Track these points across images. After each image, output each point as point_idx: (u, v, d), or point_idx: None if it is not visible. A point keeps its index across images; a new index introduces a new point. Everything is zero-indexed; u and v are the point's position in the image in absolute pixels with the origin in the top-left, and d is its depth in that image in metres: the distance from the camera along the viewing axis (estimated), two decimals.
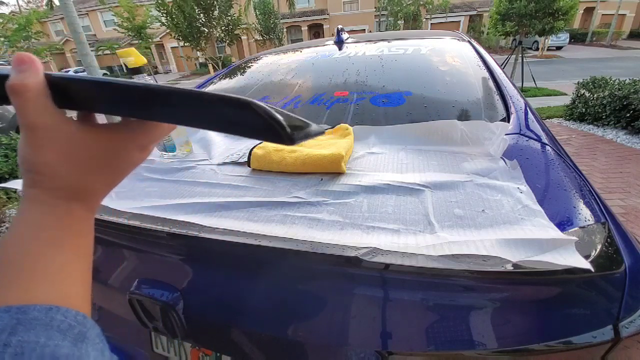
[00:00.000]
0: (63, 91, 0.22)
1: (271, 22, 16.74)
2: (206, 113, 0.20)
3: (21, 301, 0.18)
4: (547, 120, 4.38)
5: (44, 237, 0.21)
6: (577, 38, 19.71)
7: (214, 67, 14.70)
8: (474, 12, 21.16)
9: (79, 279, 0.22)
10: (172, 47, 22.82)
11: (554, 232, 0.39)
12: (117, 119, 0.25)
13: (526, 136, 0.67)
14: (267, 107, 0.19)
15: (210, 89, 1.26)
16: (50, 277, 0.20)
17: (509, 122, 0.71)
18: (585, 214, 0.46)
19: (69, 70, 20.19)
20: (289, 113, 0.20)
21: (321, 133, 0.23)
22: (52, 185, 0.22)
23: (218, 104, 0.19)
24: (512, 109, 0.76)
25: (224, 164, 0.69)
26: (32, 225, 0.21)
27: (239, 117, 0.20)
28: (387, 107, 0.84)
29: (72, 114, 0.25)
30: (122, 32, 14.12)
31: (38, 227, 0.21)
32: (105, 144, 0.23)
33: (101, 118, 0.26)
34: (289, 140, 0.19)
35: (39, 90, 0.20)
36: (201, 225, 0.48)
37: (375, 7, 20.64)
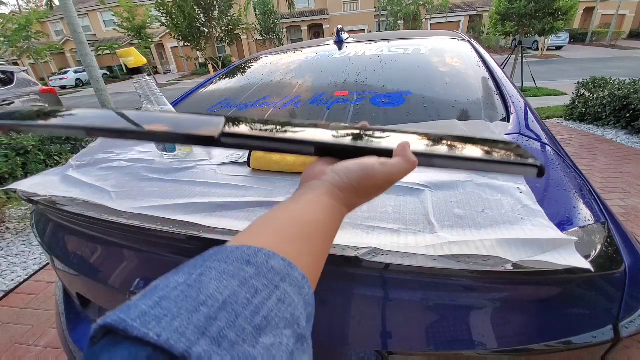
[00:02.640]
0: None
1: (271, 22, 16.73)
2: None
3: (294, 256, 0.23)
4: (547, 120, 4.38)
5: (331, 222, 0.28)
6: (577, 38, 19.70)
7: (214, 67, 14.70)
8: (474, 12, 21.15)
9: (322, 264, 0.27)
10: (172, 47, 22.82)
11: (554, 232, 0.39)
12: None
13: (526, 136, 0.67)
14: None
15: (210, 88, 1.26)
16: (319, 253, 0.26)
17: (509, 122, 0.71)
18: (585, 214, 0.46)
19: (68, 71, 20.18)
20: None
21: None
22: (349, 202, 0.31)
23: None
24: (512, 109, 0.76)
25: (224, 164, 0.69)
26: (327, 212, 0.28)
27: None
28: (387, 107, 0.84)
29: None
30: (122, 32, 14.12)
31: (330, 216, 0.28)
32: (386, 177, 0.31)
33: None
34: None
35: None
36: (201, 225, 0.48)
37: (375, 7, 20.64)
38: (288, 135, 0.34)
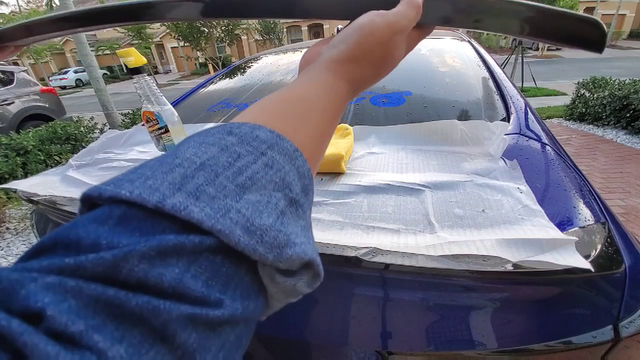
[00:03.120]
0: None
1: (271, 22, 16.74)
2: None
3: (286, 132, 0.20)
4: (547, 120, 4.38)
5: (330, 99, 0.25)
6: None
7: (214, 67, 14.70)
8: None
9: (326, 142, 0.25)
10: (172, 47, 22.84)
11: (554, 232, 0.39)
12: None
13: (526, 136, 0.67)
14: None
15: (210, 88, 1.26)
16: (317, 133, 0.23)
17: (509, 122, 0.71)
18: (585, 214, 0.46)
19: (68, 71, 20.19)
20: None
21: None
22: (352, 76, 0.26)
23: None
24: (512, 109, 0.76)
25: None
26: (325, 89, 0.25)
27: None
28: (387, 107, 0.84)
29: None
30: (122, 32, 14.12)
31: (328, 92, 0.25)
32: (388, 29, 0.26)
33: None
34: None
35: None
36: None
37: None
38: None
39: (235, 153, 0.17)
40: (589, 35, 0.28)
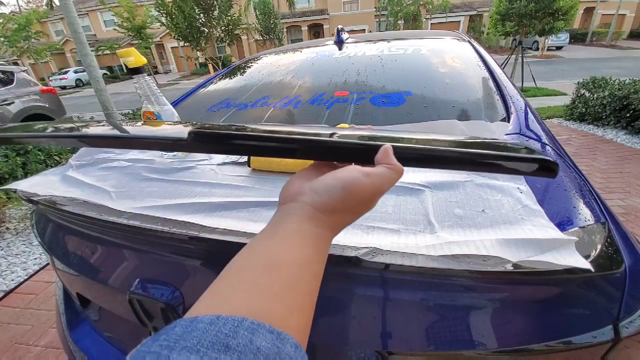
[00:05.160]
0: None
1: (271, 22, 16.74)
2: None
3: (282, 317, 0.19)
4: (547, 120, 4.38)
5: (317, 255, 0.25)
6: (577, 38, 19.70)
7: (214, 67, 14.70)
8: (474, 12, 21.16)
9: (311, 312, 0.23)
10: (172, 47, 22.83)
11: (554, 232, 0.39)
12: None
13: (526, 136, 0.67)
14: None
15: (210, 88, 1.26)
16: (308, 300, 0.22)
17: (509, 122, 0.71)
18: (585, 214, 0.46)
19: (68, 71, 20.18)
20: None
21: None
22: (334, 225, 0.27)
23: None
24: (512, 109, 0.76)
25: (224, 164, 0.69)
26: (311, 244, 0.25)
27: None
28: (387, 107, 0.84)
29: None
30: (122, 32, 14.11)
31: (315, 247, 0.25)
32: (372, 190, 0.27)
33: None
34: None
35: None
36: (201, 225, 0.48)
37: (375, 7, 20.65)
38: (257, 134, 0.32)
39: None
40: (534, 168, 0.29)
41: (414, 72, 1.02)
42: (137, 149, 0.44)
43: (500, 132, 0.63)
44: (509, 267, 0.36)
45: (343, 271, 0.43)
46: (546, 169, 0.28)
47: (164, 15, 11.81)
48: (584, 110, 4.02)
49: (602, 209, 0.49)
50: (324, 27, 21.73)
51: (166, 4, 11.49)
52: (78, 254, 0.66)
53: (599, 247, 0.40)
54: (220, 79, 1.34)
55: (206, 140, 0.34)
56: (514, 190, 0.49)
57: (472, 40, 1.28)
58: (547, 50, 16.26)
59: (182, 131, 0.34)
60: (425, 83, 0.95)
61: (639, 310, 0.39)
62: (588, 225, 0.44)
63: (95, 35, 23.83)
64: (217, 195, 0.56)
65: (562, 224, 0.43)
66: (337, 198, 0.26)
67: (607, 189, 2.41)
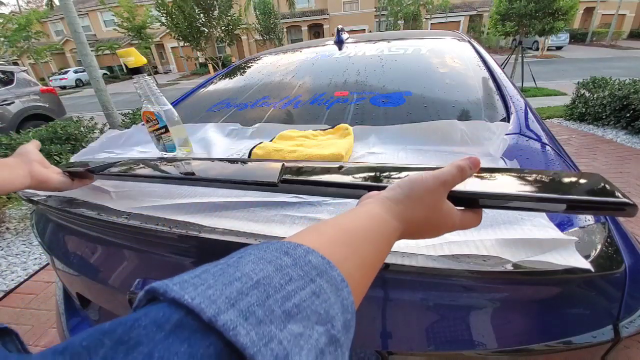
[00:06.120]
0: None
1: (271, 22, 16.73)
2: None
3: (336, 259, 0.22)
4: (547, 120, 4.38)
5: (380, 233, 0.27)
6: (577, 38, 19.70)
7: (214, 67, 14.69)
8: (474, 12, 21.17)
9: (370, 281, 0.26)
10: (172, 47, 22.83)
11: (554, 232, 0.39)
12: None
13: (526, 136, 0.67)
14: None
15: (211, 88, 1.26)
16: (365, 264, 0.25)
17: (509, 122, 0.71)
18: (585, 214, 0.46)
19: (68, 71, 20.18)
20: None
21: None
22: (403, 216, 0.30)
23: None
24: (512, 109, 0.76)
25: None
26: (377, 222, 0.28)
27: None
28: (387, 107, 0.84)
29: None
30: (122, 32, 14.11)
31: (379, 226, 0.28)
32: (433, 181, 0.32)
33: None
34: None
35: None
36: (201, 225, 0.48)
37: (375, 7, 20.65)
38: (342, 180, 0.40)
39: (287, 275, 0.19)
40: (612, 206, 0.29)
41: (414, 72, 1.02)
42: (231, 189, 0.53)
43: (500, 132, 0.63)
44: (509, 267, 0.36)
45: None
46: (624, 211, 0.29)
47: (164, 15, 11.81)
48: (584, 110, 4.02)
49: None
50: (324, 27, 21.74)
51: (166, 4, 11.49)
52: (78, 254, 0.66)
53: (599, 247, 0.40)
54: (220, 79, 1.34)
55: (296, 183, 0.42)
56: None
57: (472, 40, 1.28)
58: (547, 50, 16.26)
59: (274, 174, 0.45)
60: (425, 83, 0.95)
61: (639, 310, 0.39)
62: (588, 225, 0.44)
63: (95, 35, 23.84)
64: (217, 195, 0.56)
65: (562, 224, 0.43)
66: (405, 187, 0.31)
67: None
